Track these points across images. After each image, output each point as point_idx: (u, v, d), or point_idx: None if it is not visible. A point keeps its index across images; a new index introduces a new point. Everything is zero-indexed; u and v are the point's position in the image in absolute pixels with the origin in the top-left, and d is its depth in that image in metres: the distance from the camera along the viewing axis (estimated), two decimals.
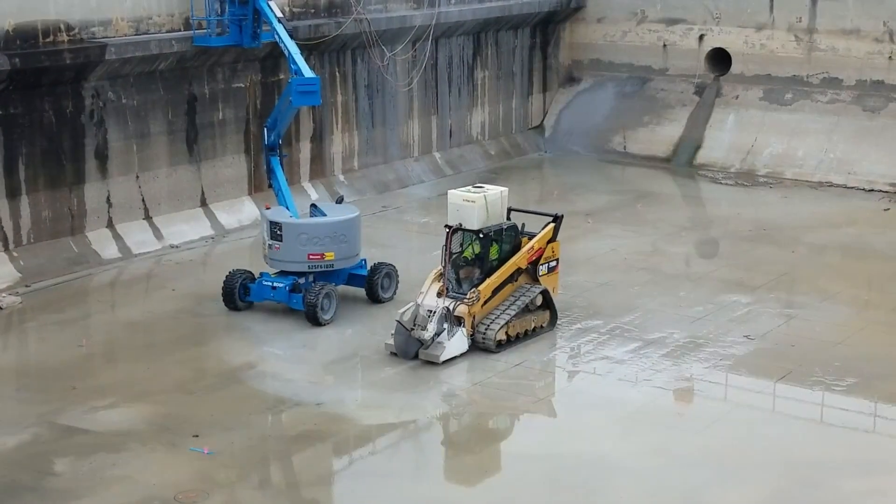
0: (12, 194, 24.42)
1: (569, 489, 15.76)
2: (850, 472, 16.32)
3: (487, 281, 20.49)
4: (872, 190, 32.63)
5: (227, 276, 22.56)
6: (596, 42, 39.10)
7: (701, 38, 37.19)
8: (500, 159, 36.78)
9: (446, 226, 20.71)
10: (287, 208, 22.68)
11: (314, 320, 21.60)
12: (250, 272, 22.74)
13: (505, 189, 21.48)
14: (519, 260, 21.05)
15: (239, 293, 22.43)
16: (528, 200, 33.58)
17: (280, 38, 23.54)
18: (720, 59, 37.20)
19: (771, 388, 19.27)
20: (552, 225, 21.84)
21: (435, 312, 19.62)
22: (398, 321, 19.72)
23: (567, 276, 24.99)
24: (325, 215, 22.59)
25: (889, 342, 21.26)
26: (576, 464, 16.50)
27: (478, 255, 20.83)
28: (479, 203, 20.66)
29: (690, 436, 17.55)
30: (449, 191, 21.18)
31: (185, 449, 16.73)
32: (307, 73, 22.50)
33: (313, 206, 23.41)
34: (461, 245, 20.87)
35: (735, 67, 36.81)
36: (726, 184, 34.14)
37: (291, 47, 23.08)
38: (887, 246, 27.62)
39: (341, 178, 31.83)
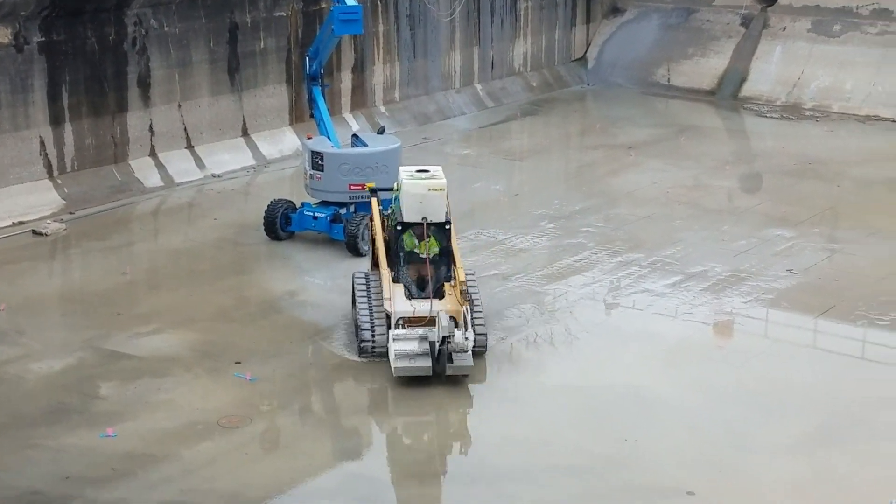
0: (56, 121, 24.56)
1: (608, 421, 15.82)
2: (889, 409, 16.23)
3: (459, 270, 17.32)
4: None
5: (268, 206, 22.65)
6: None
7: None
8: (542, 91, 36.48)
9: (399, 224, 17.24)
10: (328, 138, 22.67)
11: (355, 250, 21.67)
12: (292, 202, 22.82)
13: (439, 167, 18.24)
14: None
15: (280, 223, 22.54)
16: (571, 134, 33.46)
17: None
18: None
19: (813, 323, 19.16)
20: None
21: (442, 317, 16.37)
22: (431, 341, 16.32)
23: (609, 210, 24.93)
24: (366, 146, 22.56)
25: None
26: (615, 396, 16.54)
27: (443, 249, 17.49)
28: (445, 189, 17.41)
29: (731, 370, 17.53)
30: (403, 182, 17.36)
31: (227, 375, 16.96)
32: (350, 1, 22.31)
33: (355, 136, 23.38)
34: (416, 241, 17.44)
35: None
36: (771, 117, 33.69)
37: None
38: None
39: (382, 109, 31.73)
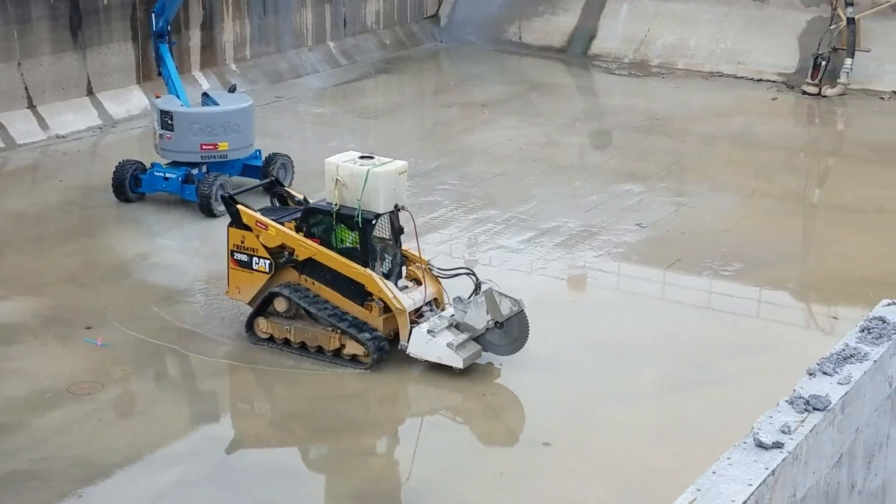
0: None
1: (466, 376, 16.00)
2: (734, 355, 16.89)
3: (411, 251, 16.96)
4: (761, 80, 33.18)
5: (117, 167, 22.08)
6: None
7: None
8: (396, 49, 36.37)
9: (373, 217, 16.18)
10: (178, 97, 22.17)
11: (208, 211, 21.32)
12: (141, 163, 22.28)
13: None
14: None
15: (130, 184, 22.00)
16: (425, 92, 33.48)
17: None
18: None
19: (662, 275, 19.74)
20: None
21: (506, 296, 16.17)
22: (497, 321, 16.02)
23: (463, 167, 25.11)
24: (217, 104, 22.16)
25: (773, 229, 21.90)
26: None
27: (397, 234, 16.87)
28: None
29: (584, 323, 17.94)
30: (371, 172, 16.12)
31: (77, 341, 16.53)
32: None
33: (205, 95, 22.93)
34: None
35: None
36: (620, 74, 34.35)
37: None
38: (774, 135, 28.25)
39: (233, 67, 31.16)
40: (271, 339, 16.56)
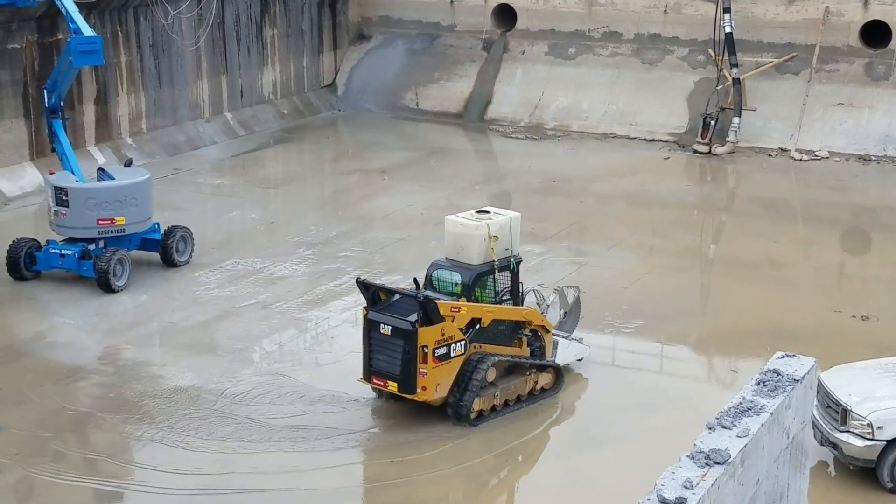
0: None
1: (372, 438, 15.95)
2: (638, 411, 17.07)
3: None
4: (653, 140, 34.01)
5: (10, 245, 21.66)
6: None
7: None
8: (294, 118, 36.47)
9: (520, 257, 17.30)
10: (72, 173, 21.90)
11: (106, 287, 21.01)
12: (36, 240, 21.89)
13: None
14: None
15: (24, 262, 21.58)
16: (324, 160, 33.57)
17: None
18: (506, 15, 37.90)
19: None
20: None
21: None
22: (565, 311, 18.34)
23: (365, 233, 25.16)
24: (113, 179, 21.94)
25: (671, 285, 22.33)
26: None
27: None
28: None
29: None
30: (511, 218, 17.07)
31: None
32: (87, 31, 21.69)
33: (100, 169, 22.68)
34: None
35: (520, 23, 37.56)
36: (516, 137, 34.89)
37: (69, 5, 22.15)
38: (668, 193, 28.90)
39: (129, 140, 30.89)
40: (480, 415, 16.32)
